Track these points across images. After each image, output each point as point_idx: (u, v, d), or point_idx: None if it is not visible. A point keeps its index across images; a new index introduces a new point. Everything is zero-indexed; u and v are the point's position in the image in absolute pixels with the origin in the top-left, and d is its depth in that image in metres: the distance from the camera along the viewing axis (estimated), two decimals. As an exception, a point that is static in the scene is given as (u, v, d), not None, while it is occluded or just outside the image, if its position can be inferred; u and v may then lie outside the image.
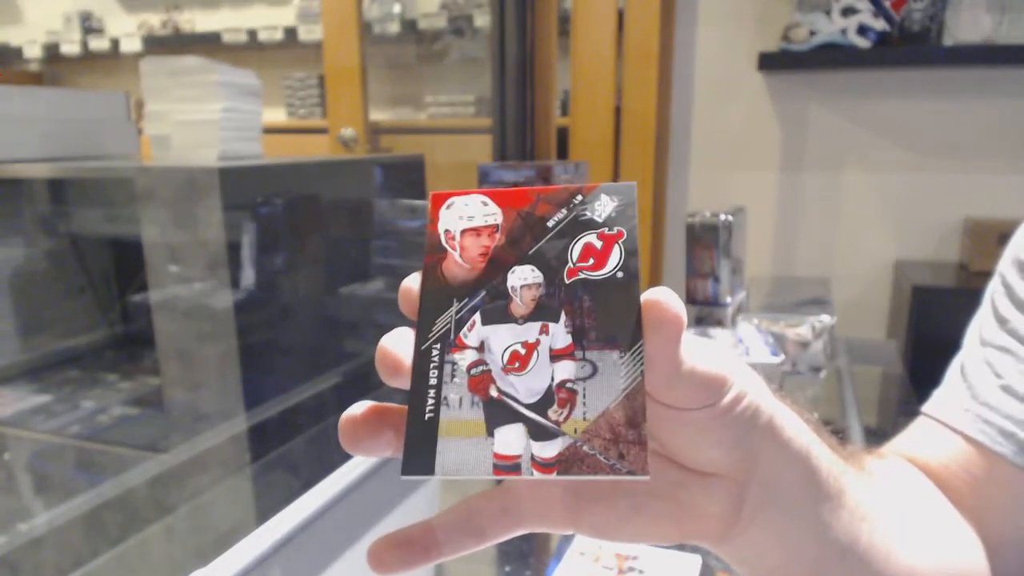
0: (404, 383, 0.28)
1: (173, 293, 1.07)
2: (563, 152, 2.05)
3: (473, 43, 2.79)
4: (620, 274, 0.29)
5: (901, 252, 2.04)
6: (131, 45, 3.20)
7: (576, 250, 0.29)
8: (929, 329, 1.73)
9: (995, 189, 1.93)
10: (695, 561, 0.61)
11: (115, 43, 3.23)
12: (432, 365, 0.28)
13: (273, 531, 0.51)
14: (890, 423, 1.14)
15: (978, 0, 1.80)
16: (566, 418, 0.26)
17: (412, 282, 0.30)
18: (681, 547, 0.63)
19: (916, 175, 2.00)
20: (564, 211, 0.30)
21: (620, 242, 0.30)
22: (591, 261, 0.29)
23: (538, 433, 0.26)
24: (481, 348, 0.28)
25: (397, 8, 2.79)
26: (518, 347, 0.28)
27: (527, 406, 0.27)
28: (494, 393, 0.27)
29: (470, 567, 0.93)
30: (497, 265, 0.29)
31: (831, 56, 1.89)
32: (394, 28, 2.78)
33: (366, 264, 1.40)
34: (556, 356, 0.27)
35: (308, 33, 2.92)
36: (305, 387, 1.21)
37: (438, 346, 0.28)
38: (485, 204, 0.31)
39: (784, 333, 1.09)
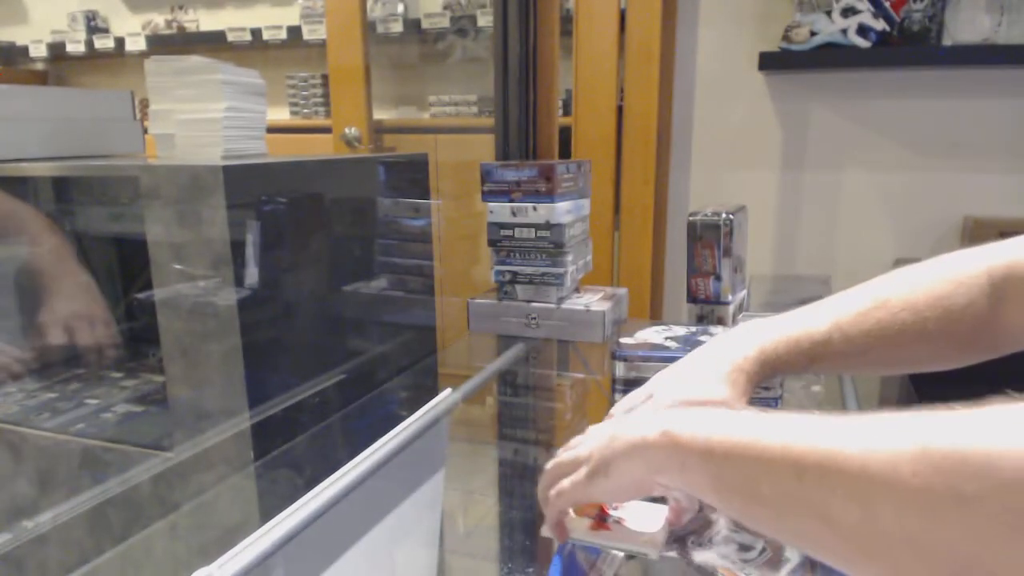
0: None
1: (177, 291, 1.08)
2: (565, 151, 2.06)
3: (476, 43, 2.79)
4: None
5: (901, 251, 2.05)
6: (136, 44, 3.21)
7: None
8: (930, 328, 1.73)
9: (995, 189, 1.94)
10: (662, 511, 0.65)
11: (120, 42, 3.25)
12: None
13: (277, 529, 0.52)
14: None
15: (977, 1, 1.80)
16: None
17: None
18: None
19: (916, 174, 2.00)
20: None
21: None
22: None
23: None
24: None
25: (400, 8, 2.80)
26: None
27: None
28: None
29: (472, 563, 0.93)
30: None
31: (831, 56, 1.90)
32: (397, 28, 2.79)
33: (370, 262, 1.41)
34: None
35: (312, 33, 2.93)
36: (309, 385, 1.22)
37: None
38: None
39: (785, 332, 1.09)
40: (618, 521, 0.65)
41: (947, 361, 0.65)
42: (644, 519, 0.65)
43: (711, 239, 1.09)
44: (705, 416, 0.48)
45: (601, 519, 0.64)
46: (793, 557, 0.64)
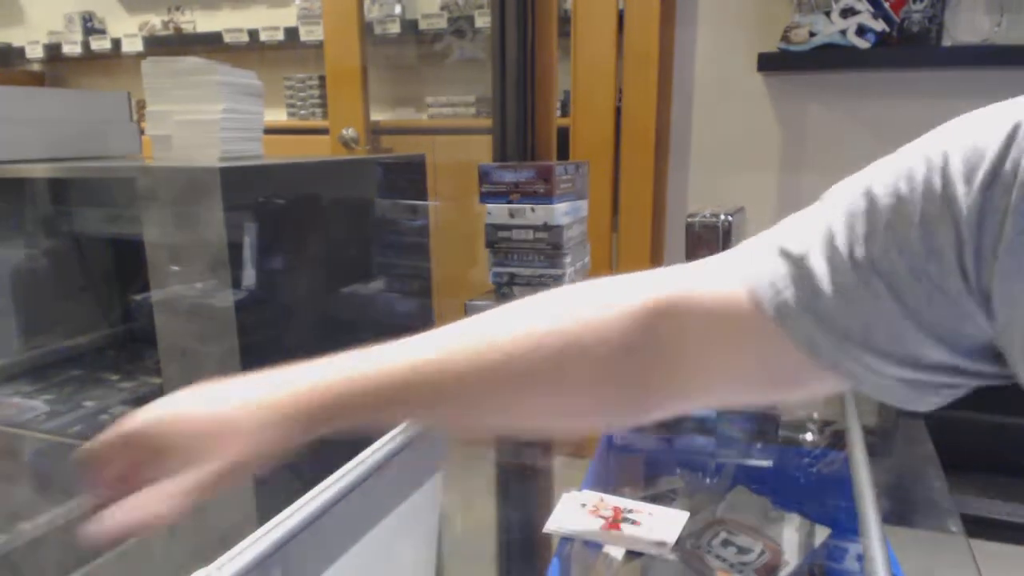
0: None
1: (174, 293, 1.07)
2: (563, 153, 2.06)
3: (474, 44, 2.79)
4: None
5: (901, 252, 2.05)
6: (132, 46, 3.21)
7: None
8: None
9: (994, 189, 1.94)
10: (683, 516, 0.65)
11: (117, 44, 3.24)
12: None
13: (277, 529, 0.52)
14: (890, 422, 1.14)
15: (977, 1, 1.80)
16: None
17: None
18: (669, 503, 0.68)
19: (915, 175, 2.00)
20: None
21: None
22: None
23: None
24: None
25: (398, 9, 2.80)
26: None
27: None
28: None
29: (472, 565, 0.93)
30: None
31: (830, 57, 1.90)
32: (395, 29, 2.79)
33: (367, 264, 1.41)
34: None
35: (309, 34, 2.92)
36: (306, 386, 1.22)
37: None
38: None
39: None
40: (631, 522, 0.65)
41: (596, 425, 0.56)
42: (656, 521, 0.65)
43: (710, 240, 1.09)
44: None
45: (615, 520, 0.65)
46: (792, 560, 0.64)
